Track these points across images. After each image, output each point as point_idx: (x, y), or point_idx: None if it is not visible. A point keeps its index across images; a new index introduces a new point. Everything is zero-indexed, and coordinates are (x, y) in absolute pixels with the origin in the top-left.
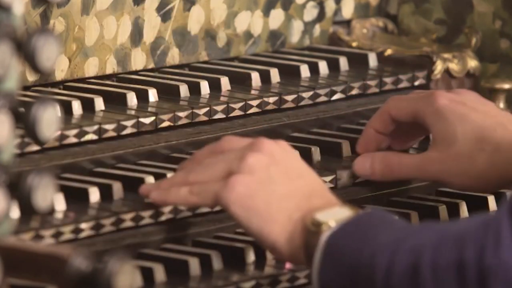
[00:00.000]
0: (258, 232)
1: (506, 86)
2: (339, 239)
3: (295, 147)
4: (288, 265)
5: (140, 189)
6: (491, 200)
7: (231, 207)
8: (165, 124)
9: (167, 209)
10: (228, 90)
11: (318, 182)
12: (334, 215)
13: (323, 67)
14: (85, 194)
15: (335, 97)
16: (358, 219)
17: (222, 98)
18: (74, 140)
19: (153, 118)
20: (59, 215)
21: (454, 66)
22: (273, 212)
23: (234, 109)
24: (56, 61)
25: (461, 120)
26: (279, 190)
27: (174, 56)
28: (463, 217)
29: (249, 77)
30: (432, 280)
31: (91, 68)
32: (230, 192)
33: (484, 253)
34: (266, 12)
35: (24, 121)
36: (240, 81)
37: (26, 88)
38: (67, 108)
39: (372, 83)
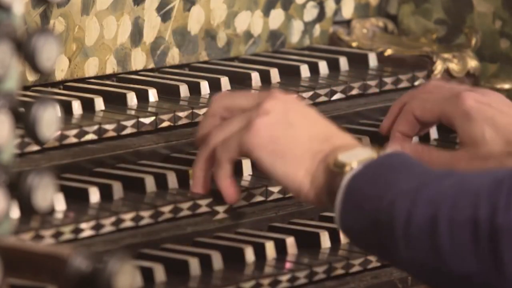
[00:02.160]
0: (284, 176)
1: (506, 86)
2: (360, 182)
3: None
4: (288, 265)
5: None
6: None
7: (255, 152)
8: (165, 124)
9: (167, 209)
10: (228, 90)
11: (335, 127)
12: (356, 156)
13: (323, 67)
14: (85, 194)
15: (335, 97)
16: (380, 161)
17: None
18: (74, 140)
19: (153, 118)
20: (59, 215)
21: (454, 66)
22: (297, 155)
23: None
24: (56, 61)
25: (489, 122)
26: (300, 133)
27: (174, 56)
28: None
29: (249, 77)
30: (448, 234)
31: (91, 68)
32: (253, 137)
33: (496, 212)
34: (266, 12)
35: (24, 121)
36: (240, 81)
37: (26, 88)
38: (67, 108)
39: (372, 83)
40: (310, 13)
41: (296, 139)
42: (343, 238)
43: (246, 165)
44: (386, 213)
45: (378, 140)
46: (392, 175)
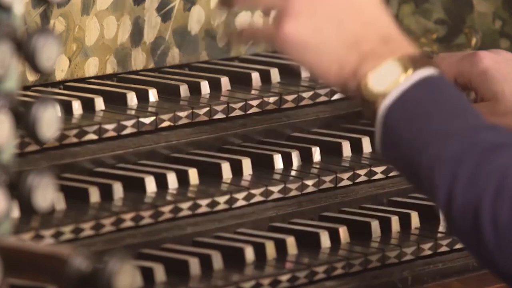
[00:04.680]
0: (317, 75)
1: None
2: (394, 118)
3: (295, 147)
4: (288, 265)
5: None
6: None
7: (285, 52)
8: (165, 124)
9: (167, 209)
10: (228, 90)
11: (365, 16)
12: (387, 78)
13: None
14: (85, 194)
15: (335, 97)
16: (413, 91)
17: (222, 98)
18: (74, 140)
19: (153, 118)
20: (59, 215)
21: None
22: (324, 64)
23: (234, 109)
24: (56, 61)
25: (508, 78)
26: (327, 39)
27: (174, 56)
28: None
29: (249, 77)
30: (493, 233)
31: (91, 68)
32: (281, 42)
33: None
34: (266, 12)
35: (24, 121)
36: (240, 81)
37: (26, 88)
38: (67, 108)
39: None
40: None
41: (323, 46)
42: (343, 238)
43: (246, 165)
44: (426, 178)
45: None
46: (428, 117)
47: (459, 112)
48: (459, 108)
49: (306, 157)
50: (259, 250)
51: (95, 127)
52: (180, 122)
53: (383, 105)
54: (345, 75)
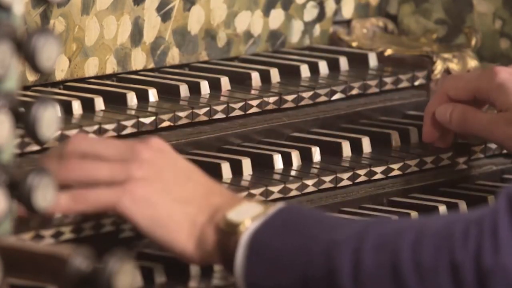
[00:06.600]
0: (164, 242)
1: None
2: (266, 236)
3: (295, 147)
4: None
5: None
6: (491, 200)
7: (133, 218)
8: (165, 124)
9: None
10: (228, 90)
11: (206, 179)
12: (247, 212)
13: (323, 67)
14: None
15: (335, 97)
16: (280, 214)
17: (222, 98)
18: None
19: (153, 118)
20: (59, 215)
21: (454, 66)
22: (177, 220)
23: (234, 109)
24: (56, 61)
25: None
26: (177, 195)
27: (174, 56)
28: (439, 214)
29: (249, 77)
30: (417, 280)
31: (91, 68)
32: (130, 202)
33: (481, 255)
34: (266, 12)
35: (24, 121)
36: (240, 81)
37: (26, 88)
38: (67, 108)
39: (372, 83)
40: (310, 13)
41: (173, 203)
42: None
43: (246, 165)
44: (321, 266)
45: (379, 140)
46: (306, 227)
47: (334, 217)
48: (332, 217)
49: (306, 157)
50: None
51: (95, 127)
52: (180, 122)
53: (249, 231)
54: (198, 228)
